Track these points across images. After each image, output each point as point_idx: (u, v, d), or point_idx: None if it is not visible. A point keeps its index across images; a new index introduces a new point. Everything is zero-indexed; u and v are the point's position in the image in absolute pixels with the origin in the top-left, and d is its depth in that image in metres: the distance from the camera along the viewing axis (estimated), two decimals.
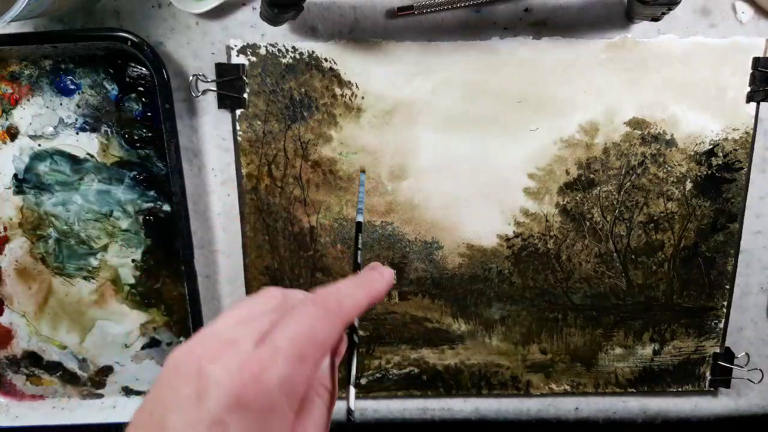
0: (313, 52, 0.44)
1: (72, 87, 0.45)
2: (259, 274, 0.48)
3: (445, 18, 0.43)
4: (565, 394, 0.52)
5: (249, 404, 0.24)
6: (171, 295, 0.50)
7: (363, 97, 0.45)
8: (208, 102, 0.46)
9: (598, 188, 0.47)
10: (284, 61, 0.44)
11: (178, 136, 0.44)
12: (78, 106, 0.46)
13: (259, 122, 0.45)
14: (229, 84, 0.44)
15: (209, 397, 0.24)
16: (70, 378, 0.52)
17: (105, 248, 0.49)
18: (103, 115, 0.46)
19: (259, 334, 0.25)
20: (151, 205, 0.48)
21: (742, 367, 0.50)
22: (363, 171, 0.44)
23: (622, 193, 0.47)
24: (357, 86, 0.44)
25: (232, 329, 0.26)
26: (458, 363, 0.51)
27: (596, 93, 0.45)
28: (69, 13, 0.44)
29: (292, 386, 0.25)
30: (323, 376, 0.28)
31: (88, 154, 0.47)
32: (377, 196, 0.47)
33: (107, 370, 0.52)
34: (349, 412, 0.28)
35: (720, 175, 0.46)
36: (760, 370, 0.50)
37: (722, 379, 0.51)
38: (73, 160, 0.47)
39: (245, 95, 0.44)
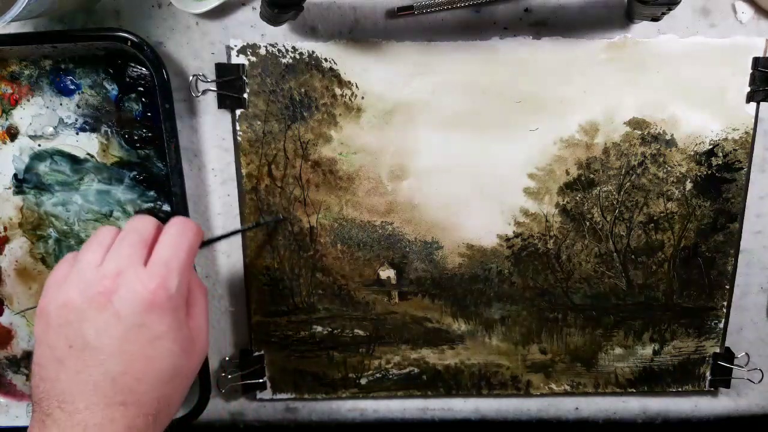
0: (313, 52, 0.44)
1: (72, 87, 0.45)
2: (259, 274, 0.48)
3: (445, 18, 0.43)
4: (565, 394, 0.52)
5: (161, 306, 0.32)
6: None
7: (363, 97, 0.45)
8: (208, 102, 0.46)
9: (598, 188, 0.47)
10: (284, 61, 0.44)
11: (178, 136, 0.44)
12: (78, 106, 0.46)
13: (259, 122, 0.45)
14: (229, 84, 0.44)
15: (126, 314, 0.32)
16: None
17: None
18: (103, 115, 0.46)
19: (140, 258, 0.33)
20: (151, 205, 0.48)
21: (742, 367, 0.50)
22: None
23: (622, 193, 0.47)
24: (357, 86, 0.44)
25: (111, 264, 0.33)
26: (458, 363, 0.51)
27: (596, 93, 0.45)
28: (69, 13, 0.44)
29: (183, 287, 0.34)
30: (194, 274, 0.37)
31: (88, 154, 0.47)
32: (377, 196, 0.47)
33: None
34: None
35: (720, 175, 0.46)
36: (760, 370, 0.50)
37: (722, 379, 0.51)
38: (73, 160, 0.47)
39: (245, 95, 0.44)
